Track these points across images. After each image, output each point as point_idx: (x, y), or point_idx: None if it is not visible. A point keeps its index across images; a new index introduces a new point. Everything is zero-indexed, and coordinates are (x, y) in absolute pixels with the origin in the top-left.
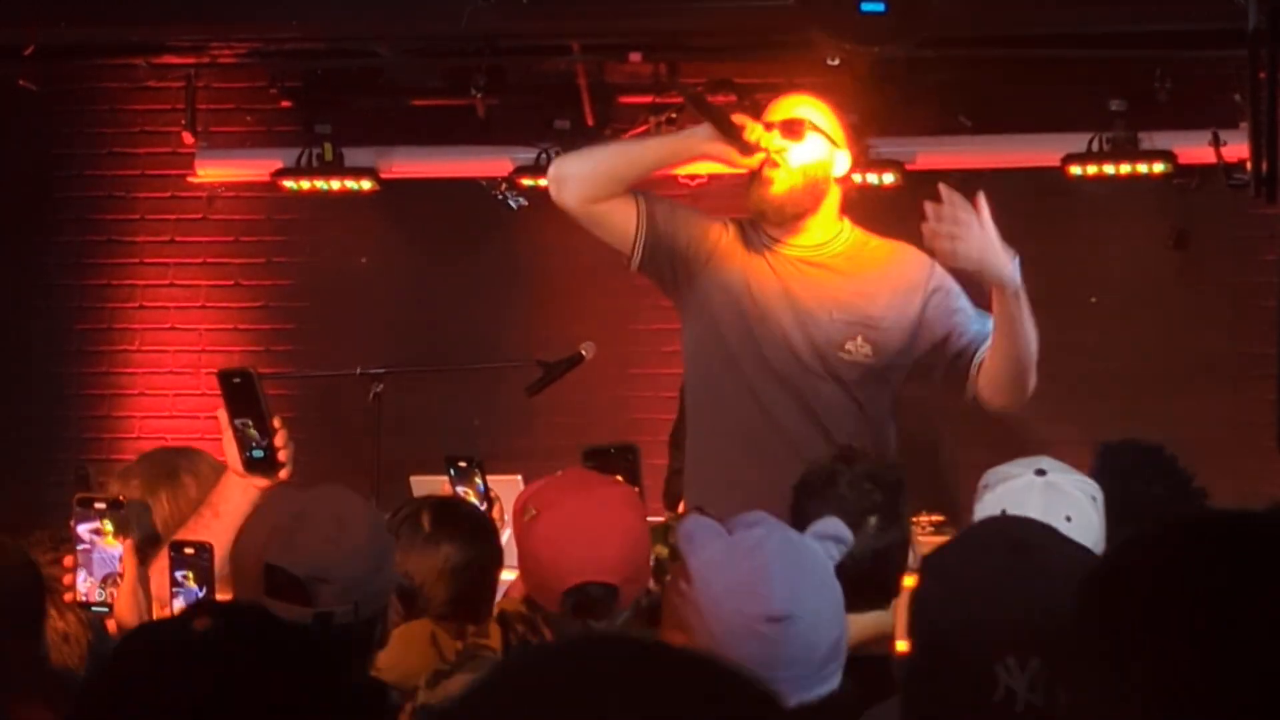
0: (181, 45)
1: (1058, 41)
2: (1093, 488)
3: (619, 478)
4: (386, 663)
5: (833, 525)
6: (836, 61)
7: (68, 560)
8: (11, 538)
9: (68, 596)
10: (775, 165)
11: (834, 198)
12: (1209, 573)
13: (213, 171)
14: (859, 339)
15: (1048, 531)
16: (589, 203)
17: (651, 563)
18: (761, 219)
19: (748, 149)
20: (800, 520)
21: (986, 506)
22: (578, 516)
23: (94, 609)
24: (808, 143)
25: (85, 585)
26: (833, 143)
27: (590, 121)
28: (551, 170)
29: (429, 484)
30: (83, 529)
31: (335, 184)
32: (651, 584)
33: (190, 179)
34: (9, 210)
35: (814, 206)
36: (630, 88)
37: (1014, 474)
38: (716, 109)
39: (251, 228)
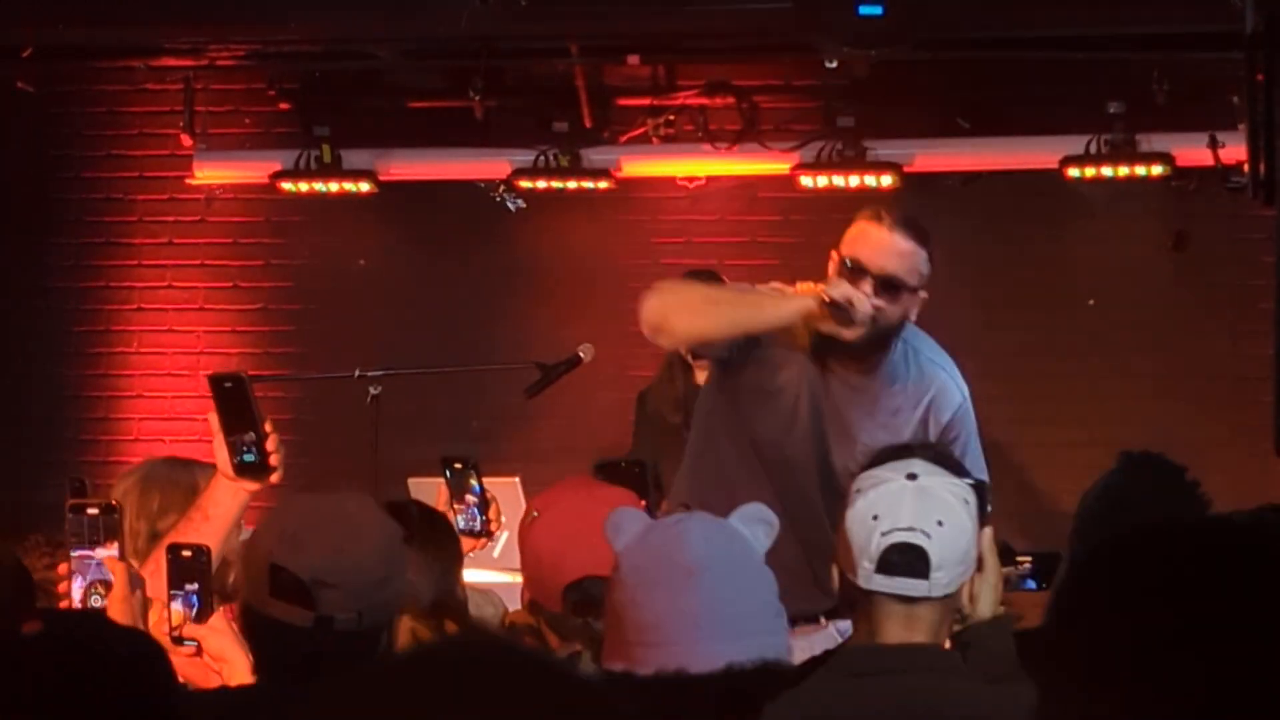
0: (180, 47)
1: (1055, 44)
2: (964, 490)
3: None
4: None
5: (757, 509)
6: (834, 64)
7: (61, 567)
8: (2, 541)
9: (63, 604)
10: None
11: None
12: (1185, 577)
13: (211, 173)
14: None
15: None
16: (685, 347)
17: None
18: (834, 353)
19: (854, 324)
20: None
21: (859, 511)
22: (577, 514)
23: None
24: (899, 300)
25: (79, 590)
26: (916, 292)
27: (588, 124)
28: (653, 313)
29: (427, 486)
30: (75, 534)
31: (334, 186)
32: None
33: (189, 181)
34: (7, 212)
35: (881, 346)
36: (628, 90)
37: (886, 478)
38: (821, 298)
39: (250, 229)
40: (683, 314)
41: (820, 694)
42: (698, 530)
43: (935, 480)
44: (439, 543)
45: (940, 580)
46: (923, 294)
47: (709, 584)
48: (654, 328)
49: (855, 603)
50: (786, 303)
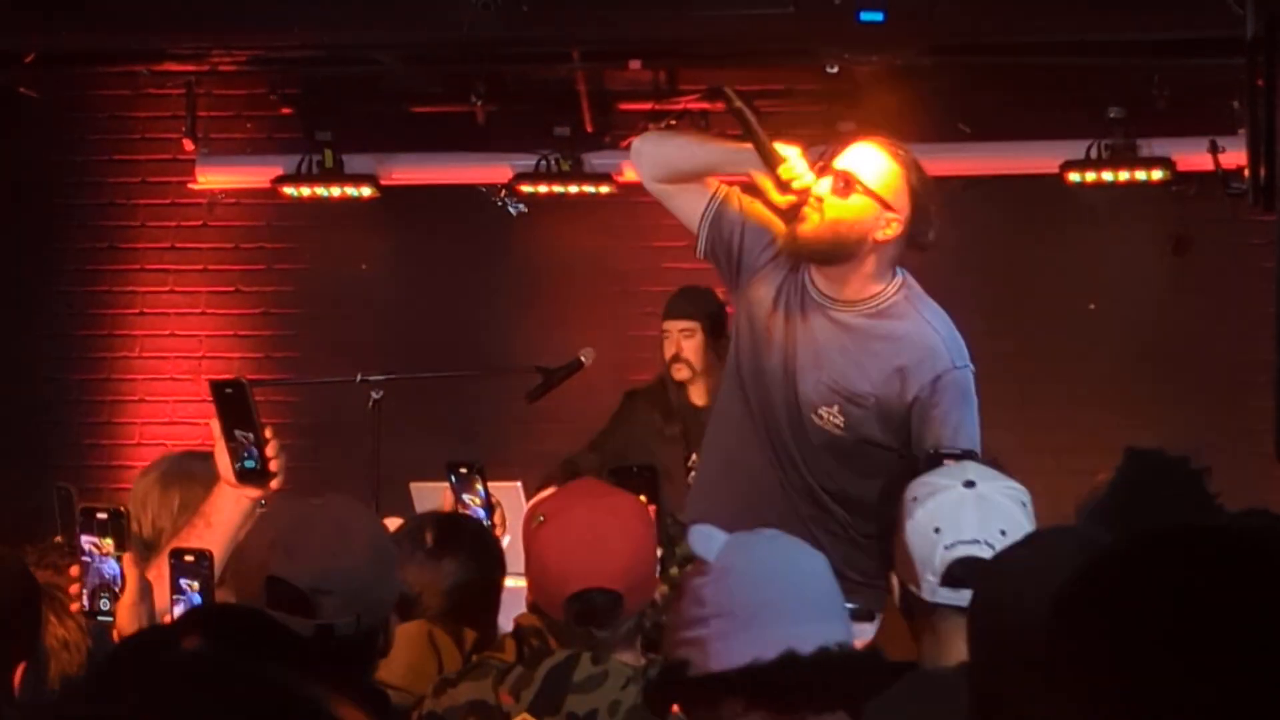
0: (182, 52)
1: (1056, 49)
2: (1022, 493)
3: (642, 497)
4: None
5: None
6: (835, 69)
7: (73, 570)
8: (8, 547)
9: (74, 606)
10: (814, 207)
11: (871, 260)
12: (1183, 583)
13: (213, 178)
14: (835, 408)
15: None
16: (653, 181)
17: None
18: (786, 254)
19: (782, 186)
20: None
21: (919, 523)
22: (584, 523)
23: (99, 618)
24: (853, 198)
25: (89, 595)
26: (883, 205)
27: (590, 128)
28: (633, 144)
29: (429, 491)
30: (85, 540)
31: (335, 191)
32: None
33: (191, 186)
34: (10, 217)
35: (842, 258)
36: (630, 95)
37: (943, 485)
38: (760, 137)
39: (252, 234)
40: (649, 141)
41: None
42: (793, 540)
43: (993, 486)
44: (481, 560)
45: None
46: (894, 219)
47: (827, 576)
48: (632, 154)
49: (917, 613)
50: (734, 149)
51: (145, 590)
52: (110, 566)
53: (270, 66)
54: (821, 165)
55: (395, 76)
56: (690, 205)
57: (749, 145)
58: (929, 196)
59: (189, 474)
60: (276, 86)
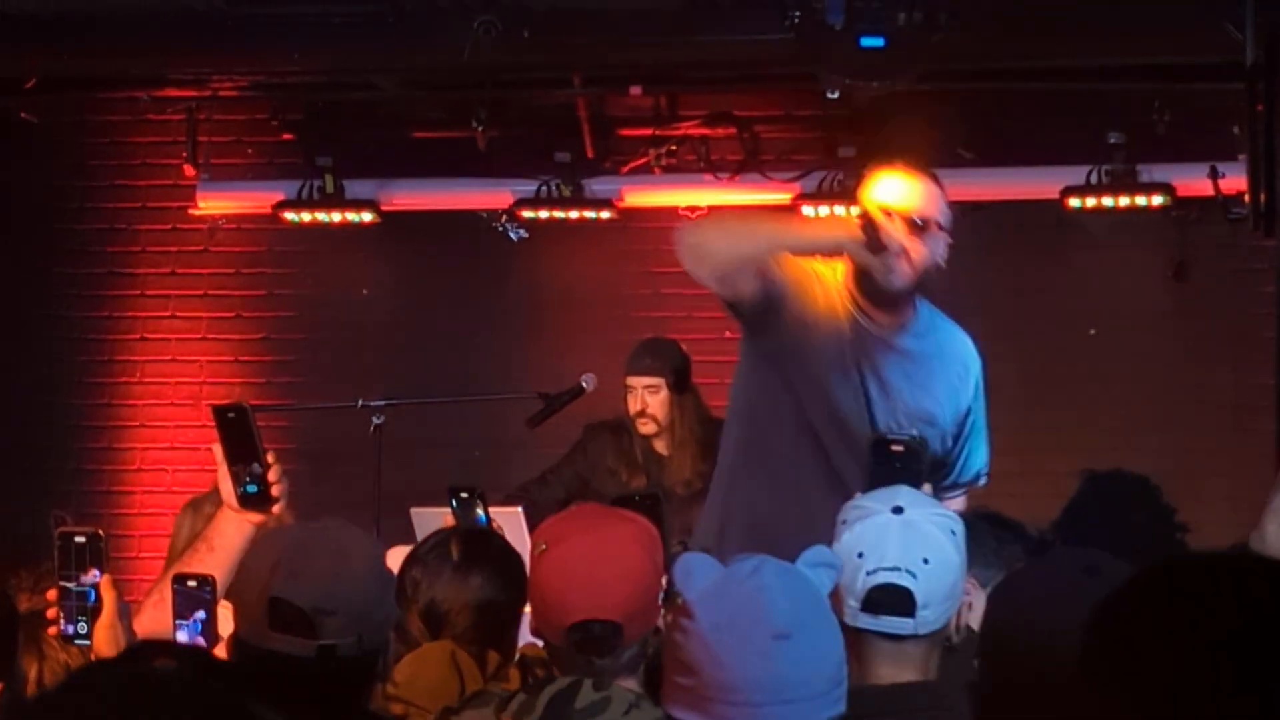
0: (183, 78)
1: (1056, 75)
2: (952, 521)
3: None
4: (405, 678)
5: (823, 553)
6: (836, 95)
7: (50, 594)
8: None
9: (51, 630)
10: (901, 258)
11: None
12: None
13: (214, 203)
14: (915, 431)
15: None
16: (720, 280)
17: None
18: (869, 302)
19: (881, 249)
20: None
21: (844, 546)
22: (583, 553)
23: (76, 642)
24: (931, 239)
25: (65, 618)
26: (949, 234)
27: (591, 154)
28: (689, 238)
29: (430, 516)
30: (63, 562)
31: (336, 216)
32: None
33: (191, 211)
34: (10, 242)
35: (913, 295)
36: (631, 120)
37: (872, 510)
38: (872, 229)
39: (253, 260)
40: (721, 236)
41: None
42: (780, 588)
43: (922, 513)
44: (507, 578)
45: (927, 618)
46: (947, 237)
47: (798, 649)
48: (694, 253)
49: (845, 636)
50: (825, 227)
51: (123, 611)
52: (89, 590)
53: (271, 92)
54: (886, 209)
55: (396, 102)
56: (748, 285)
57: (843, 226)
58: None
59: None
60: (277, 112)
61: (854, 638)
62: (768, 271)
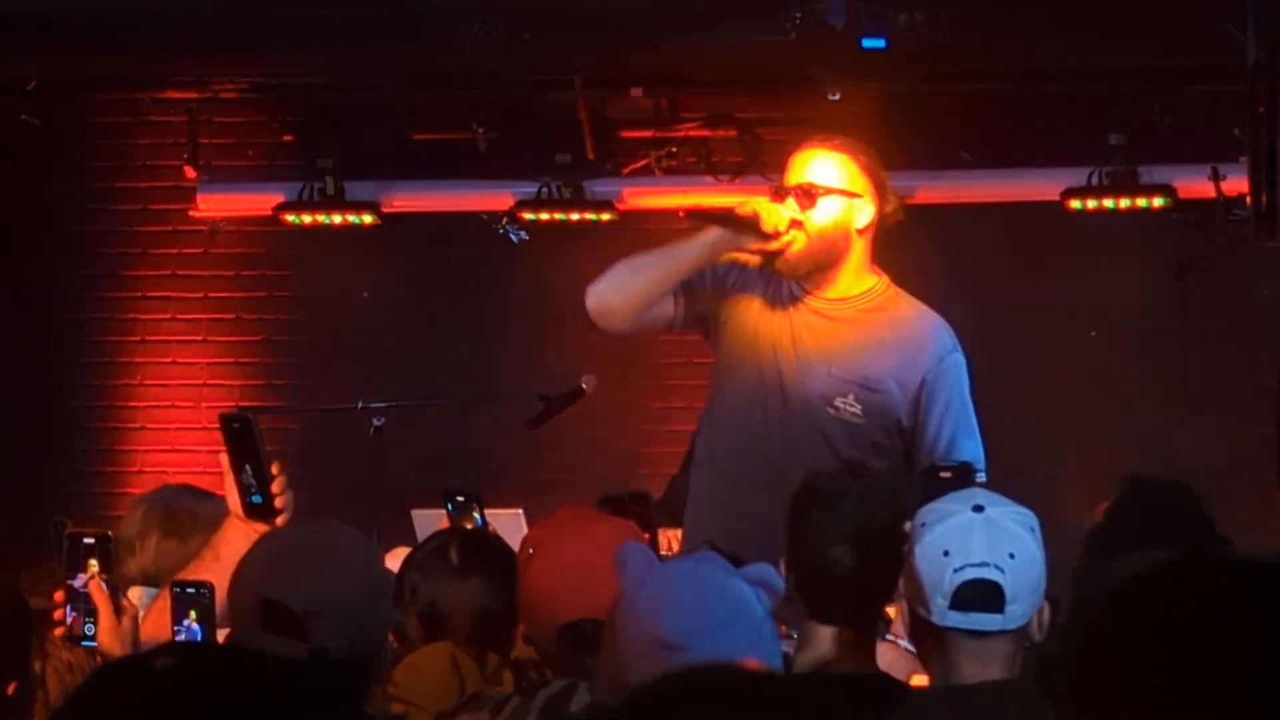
0: (183, 80)
1: (1058, 76)
2: (1030, 519)
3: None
4: (405, 678)
5: (765, 572)
6: (837, 96)
7: (57, 595)
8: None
9: (57, 631)
10: (795, 228)
11: (859, 251)
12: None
13: (214, 205)
14: (850, 397)
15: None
16: (631, 327)
17: None
18: (787, 278)
19: (769, 235)
20: (797, 530)
21: (927, 547)
22: (572, 554)
23: (82, 643)
24: (823, 205)
25: (73, 618)
26: (850, 196)
27: (591, 156)
28: (590, 304)
29: (430, 518)
30: (70, 563)
31: (337, 218)
32: None
33: (192, 213)
34: (11, 244)
35: (834, 262)
36: (631, 122)
37: (952, 511)
38: (722, 215)
39: (253, 261)
40: (614, 292)
41: None
42: (690, 595)
43: (1002, 511)
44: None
45: (1015, 613)
46: (864, 202)
47: (690, 662)
48: (600, 314)
49: (925, 637)
50: (695, 240)
51: (124, 611)
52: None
53: (272, 94)
54: (779, 190)
55: (397, 104)
56: (664, 312)
57: (710, 228)
58: (880, 171)
59: (192, 513)
60: (278, 114)
61: (937, 638)
62: (680, 296)
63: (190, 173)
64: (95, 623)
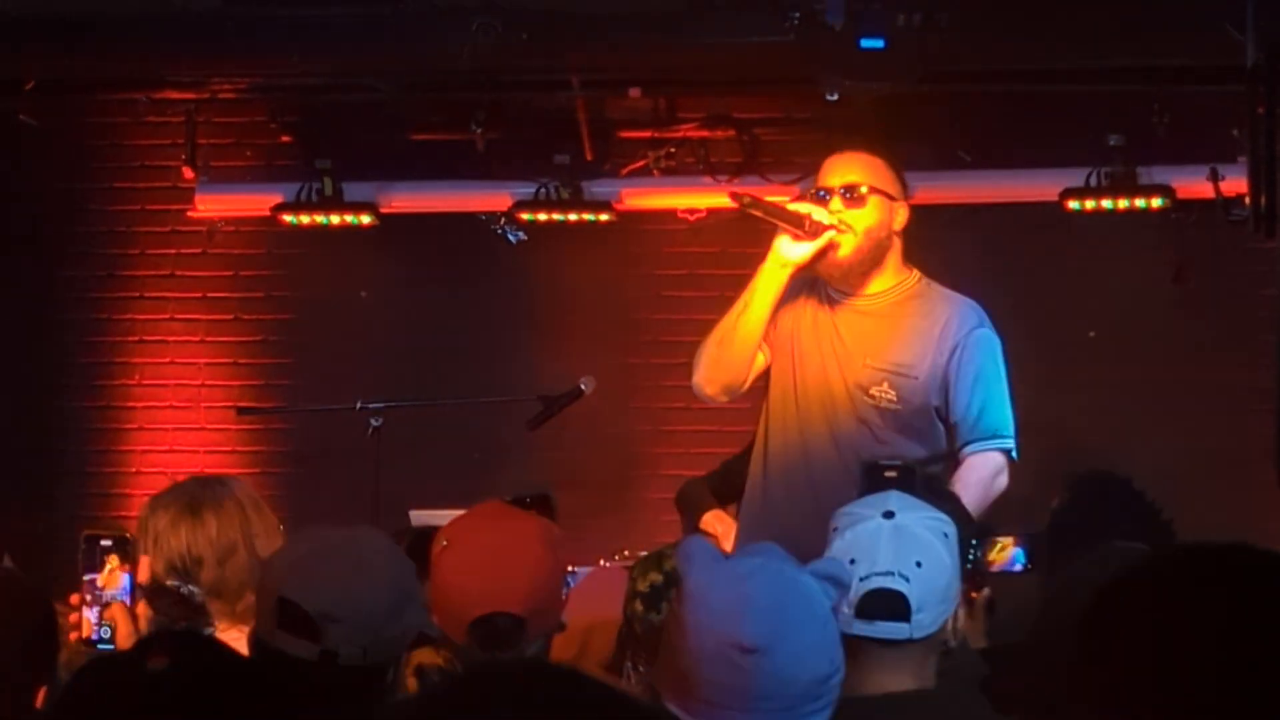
0: (182, 80)
1: (1057, 77)
2: (944, 523)
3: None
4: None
5: (835, 566)
6: (835, 97)
7: (73, 598)
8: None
9: (72, 635)
10: (843, 231)
11: (896, 250)
12: (1215, 605)
13: (213, 206)
14: (885, 385)
15: None
16: (733, 393)
17: (640, 594)
18: (831, 282)
19: (816, 233)
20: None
21: (836, 554)
22: (485, 548)
23: (100, 647)
24: (868, 204)
25: (91, 620)
26: (891, 199)
27: (590, 156)
28: (704, 394)
29: (428, 518)
30: (88, 564)
31: (335, 218)
32: (639, 608)
33: (190, 213)
34: (9, 244)
35: (880, 260)
36: (630, 122)
37: (863, 516)
38: (773, 208)
39: (251, 262)
40: (708, 370)
41: None
42: (763, 596)
43: (913, 517)
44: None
45: (922, 621)
46: (900, 205)
47: (771, 663)
48: (701, 392)
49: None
50: (756, 282)
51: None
52: (114, 593)
53: (270, 94)
54: (820, 192)
55: (395, 104)
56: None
57: (762, 278)
58: (903, 172)
59: (216, 500)
60: (276, 114)
61: (850, 646)
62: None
63: (188, 173)
64: (113, 627)
